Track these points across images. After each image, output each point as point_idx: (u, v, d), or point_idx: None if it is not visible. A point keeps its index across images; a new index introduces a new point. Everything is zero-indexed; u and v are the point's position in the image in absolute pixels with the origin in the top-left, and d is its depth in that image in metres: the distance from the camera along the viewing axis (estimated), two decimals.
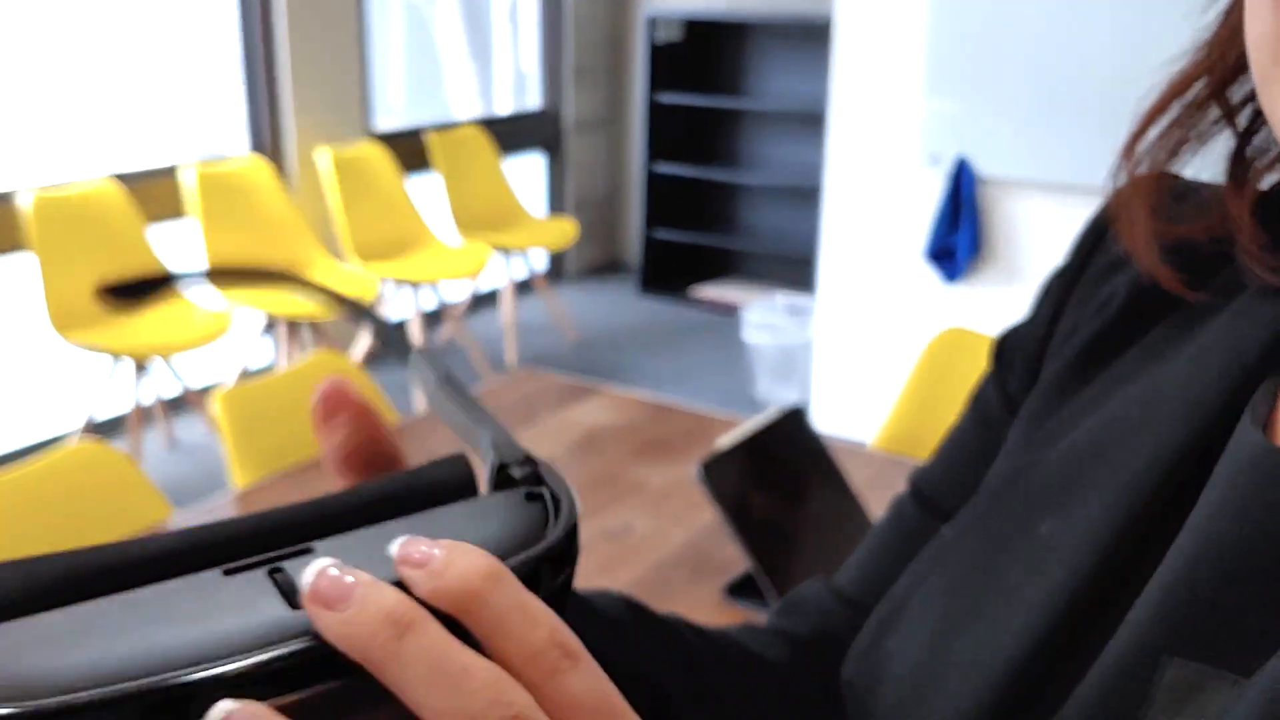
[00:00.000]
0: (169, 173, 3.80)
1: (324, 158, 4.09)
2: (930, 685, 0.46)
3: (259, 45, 4.08)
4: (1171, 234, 0.47)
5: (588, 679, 0.29)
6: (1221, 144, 0.46)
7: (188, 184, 3.68)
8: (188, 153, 3.96)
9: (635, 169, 5.79)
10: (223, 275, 0.43)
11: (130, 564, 0.29)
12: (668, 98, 5.44)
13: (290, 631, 0.27)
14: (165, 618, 0.27)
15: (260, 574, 0.29)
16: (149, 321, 3.37)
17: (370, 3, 4.49)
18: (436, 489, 0.34)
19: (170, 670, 0.26)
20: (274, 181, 3.91)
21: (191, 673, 0.26)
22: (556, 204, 5.73)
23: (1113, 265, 0.52)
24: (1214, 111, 0.46)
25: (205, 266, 0.43)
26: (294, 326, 3.96)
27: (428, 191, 4.50)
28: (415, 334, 4.15)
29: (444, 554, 0.28)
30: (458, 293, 4.85)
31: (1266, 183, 0.46)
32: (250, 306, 3.60)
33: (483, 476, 0.35)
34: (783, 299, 4.53)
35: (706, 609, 1.44)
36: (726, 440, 1.38)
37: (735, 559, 1.46)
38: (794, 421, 1.48)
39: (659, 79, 5.41)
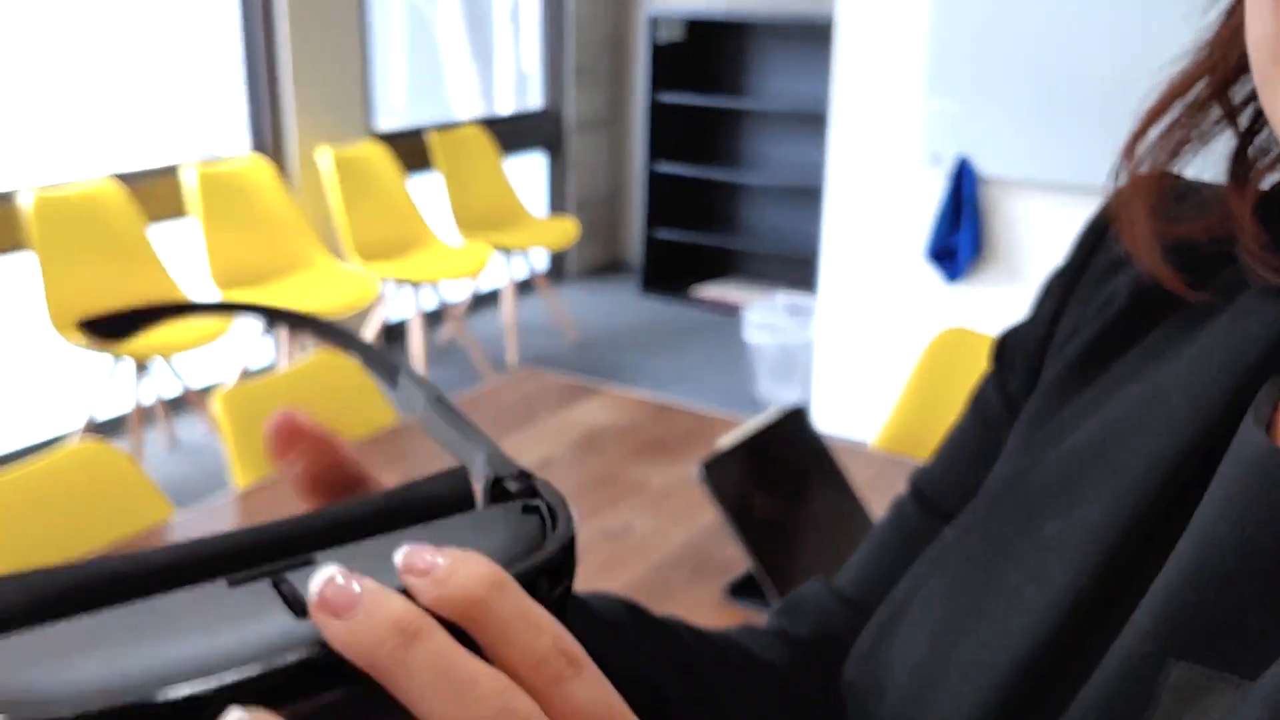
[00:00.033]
0: (170, 172, 3.80)
1: (325, 157, 4.09)
2: (932, 687, 0.46)
3: (260, 44, 4.08)
4: (1172, 234, 0.47)
5: (591, 686, 0.29)
6: (1223, 144, 0.46)
7: (189, 184, 3.68)
8: (189, 152, 3.96)
9: (636, 169, 5.79)
10: (202, 309, 0.43)
11: (134, 576, 0.29)
12: (669, 97, 5.44)
13: (297, 640, 0.27)
14: (171, 629, 0.27)
15: (265, 584, 0.29)
16: None
17: (372, 2, 4.49)
18: (434, 502, 0.34)
19: (178, 681, 0.26)
20: (275, 181, 3.91)
21: (200, 683, 0.26)
22: (558, 204, 5.73)
23: (1113, 265, 0.52)
24: (1215, 111, 0.46)
25: (184, 301, 0.43)
26: None
27: (429, 191, 4.50)
28: (416, 334, 4.15)
29: (448, 562, 0.28)
30: (459, 292, 4.85)
31: (1268, 183, 0.46)
32: None
33: (478, 492, 0.36)
34: (784, 299, 4.53)
35: (707, 609, 1.44)
36: (727, 440, 1.38)
37: (736, 559, 1.46)
38: (795, 421, 1.47)
39: (660, 79, 5.41)
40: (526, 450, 1.89)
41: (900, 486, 0.62)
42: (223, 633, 0.27)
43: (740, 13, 5.22)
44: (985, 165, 3.26)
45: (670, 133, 5.53)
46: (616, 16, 5.72)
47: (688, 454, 1.85)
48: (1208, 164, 0.47)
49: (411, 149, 4.57)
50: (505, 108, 5.65)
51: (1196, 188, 0.48)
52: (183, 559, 0.30)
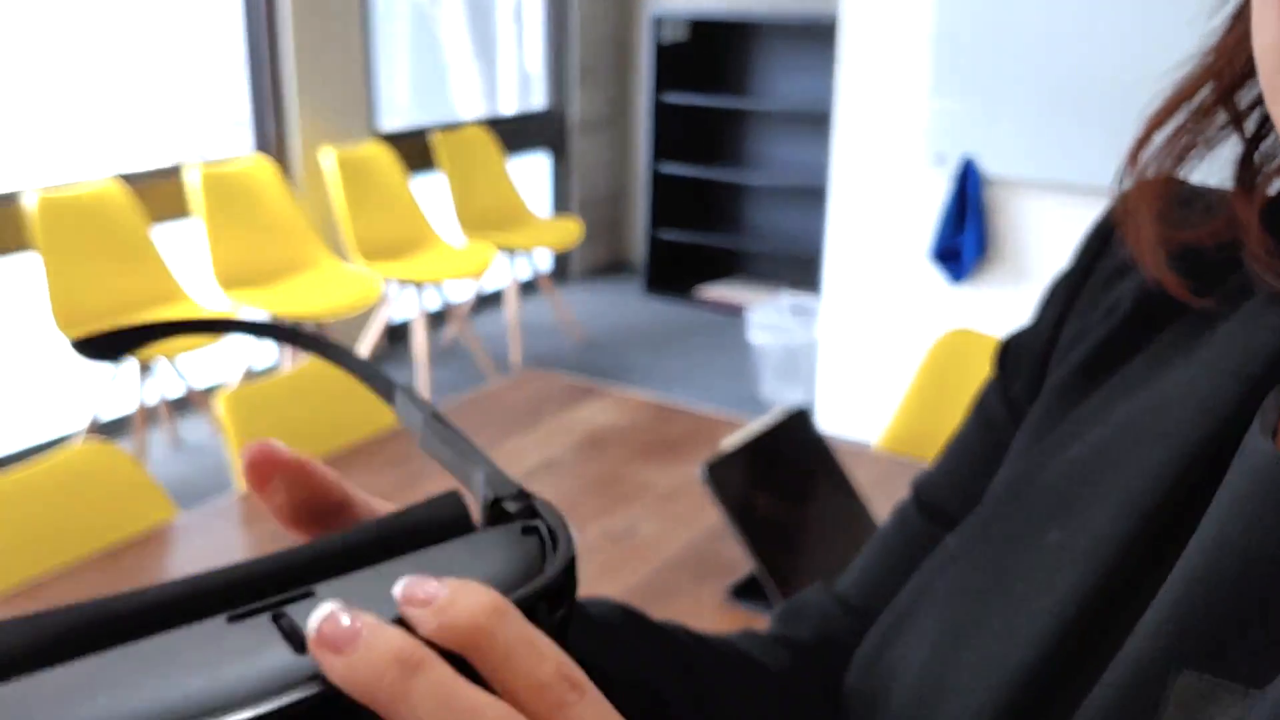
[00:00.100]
0: (174, 173, 3.80)
1: (329, 158, 4.09)
2: (936, 695, 0.46)
3: (264, 45, 4.09)
4: (1177, 240, 0.47)
5: (594, 710, 0.29)
6: (1228, 149, 0.46)
7: (192, 184, 3.68)
8: (192, 153, 3.96)
9: (640, 169, 5.79)
10: (195, 327, 0.43)
11: (134, 615, 0.29)
12: (673, 98, 5.44)
13: (298, 677, 0.27)
14: (173, 668, 0.27)
15: (264, 620, 0.29)
16: None
17: (375, 3, 4.49)
18: (433, 527, 0.34)
19: None
20: (279, 181, 3.91)
21: None
22: (561, 204, 5.73)
23: (1118, 270, 0.52)
24: (1221, 117, 0.45)
25: (177, 319, 0.43)
26: (298, 326, 3.96)
27: (432, 191, 4.50)
28: (420, 334, 4.15)
29: (448, 592, 0.28)
30: (462, 293, 4.85)
31: (1274, 188, 0.45)
32: (254, 307, 3.60)
33: (476, 512, 0.35)
34: (788, 299, 4.52)
35: (710, 611, 1.44)
36: (731, 441, 1.38)
37: (739, 560, 1.46)
38: (799, 422, 1.47)
39: (664, 79, 5.41)
40: (530, 451, 1.89)
41: (904, 488, 0.62)
42: (224, 670, 0.27)
43: (744, 12, 5.21)
44: (990, 165, 3.26)
45: (674, 133, 5.53)
46: (620, 16, 5.72)
47: (691, 455, 1.85)
48: (1213, 169, 0.47)
49: (415, 149, 4.57)
50: (509, 108, 5.65)
51: (1202, 193, 0.48)
52: (182, 595, 0.30)
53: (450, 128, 4.71)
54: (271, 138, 4.17)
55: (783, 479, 1.43)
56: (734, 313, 5.16)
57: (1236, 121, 0.45)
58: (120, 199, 3.48)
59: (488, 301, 5.24)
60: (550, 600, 0.31)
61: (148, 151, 4.04)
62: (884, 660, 0.50)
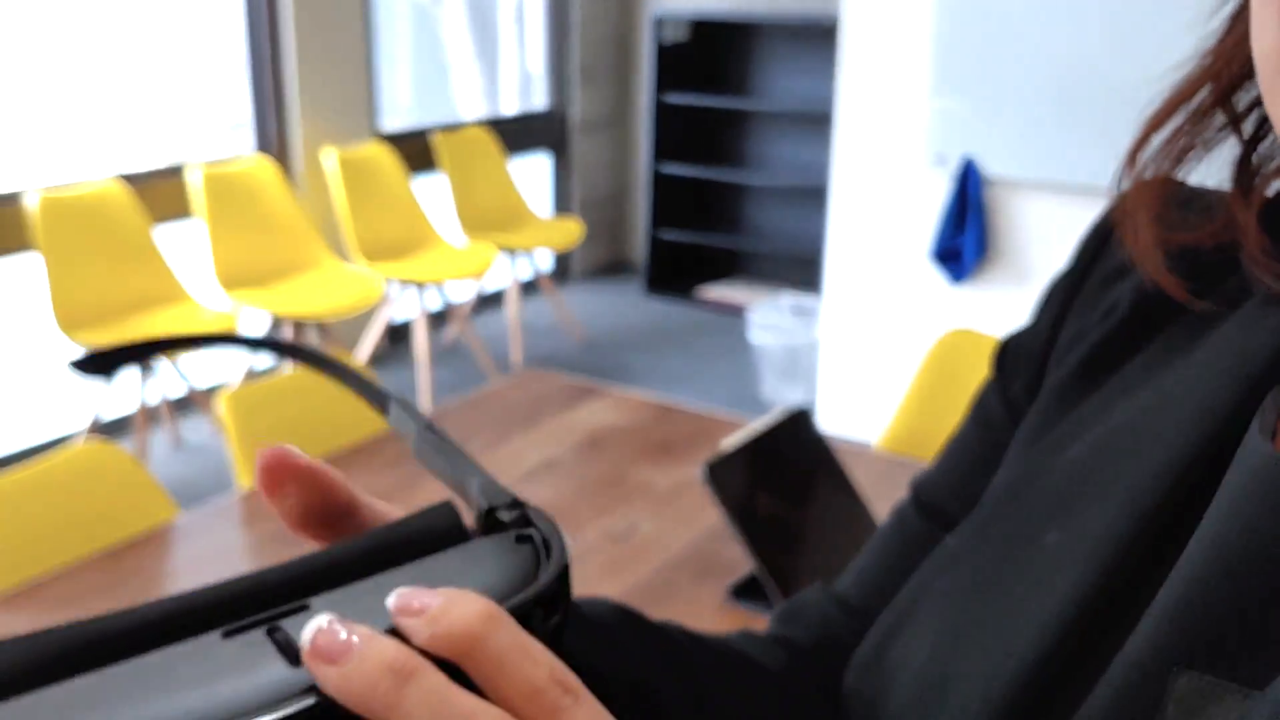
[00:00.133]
0: (175, 173, 3.80)
1: (330, 158, 4.09)
2: (936, 696, 0.46)
3: (265, 45, 4.09)
4: (1175, 241, 0.47)
5: (589, 715, 0.29)
6: (1227, 151, 0.46)
7: (194, 184, 3.69)
8: (194, 153, 3.97)
9: (641, 169, 5.79)
10: (189, 344, 0.43)
11: (130, 632, 0.29)
12: (674, 98, 5.44)
13: (293, 689, 0.28)
14: (169, 685, 0.28)
15: (259, 634, 0.29)
16: (156, 322, 3.37)
17: (376, 3, 4.49)
18: (426, 537, 0.34)
19: None
20: (280, 182, 3.91)
21: None
22: (562, 204, 5.73)
23: (1116, 271, 0.52)
24: (1219, 118, 0.45)
25: (173, 336, 0.43)
26: (300, 327, 3.97)
27: (434, 192, 4.50)
28: (421, 334, 4.16)
29: (441, 601, 0.29)
30: (463, 293, 4.85)
31: (1273, 189, 0.46)
32: (256, 307, 3.60)
33: (471, 522, 0.36)
34: (788, 300, 4.52)
35: (710, 611, 1.44)
36: (731, 441, 1.38)
37: (740, 560, 1.46)
38: (799, 422, 1.47)
39: (665, 79, 5.41)
40: (530, 451, 1.89)
41: (904, 488, 0.62)
42: (219, 685, 0.27)
43: (745, 13, 5.22)
44: (991, 166, 3.26)
45: (675, 133, 5.53)
46: (621, 17, 5.72)
47: (692, 455, 1.85)
48: (1211, 171, 0.47)
49: (416, 150, 4.58)
50: (510, 108, 5.66)
51: (1200, 194, 0.48)
52: (176, 612, 0.30)
53: (451, 128, 4.71)
54: (273, 138, 4.17)
55: (783, 479, 1.43)
56: (735, 313, 5.16)
57: (1234, 123, 0.45)
58: (122, 199, 3.49)
59: (489, 302, 5.24)
60: (544, 607, 0.31)
61: (149, 152, 4.04)
62: (884, 661, 0.50)
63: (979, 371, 0.59)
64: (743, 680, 0.55)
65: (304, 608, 0.30)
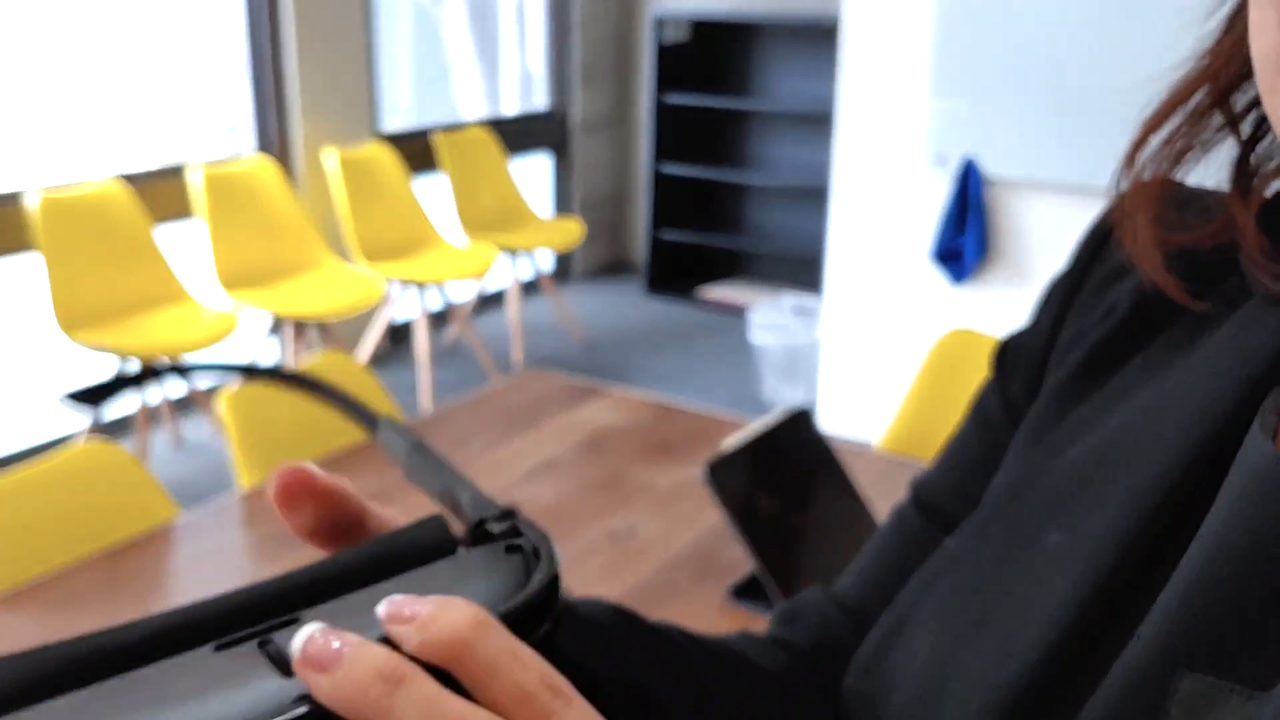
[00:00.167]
0: (176, 173, 3.80)
1: (331, 158, 4.09)
2: (937, 699, 0.46)
3: (266, 46, 4.09)
4: (1174, 242, 0.47)
5: (580, 718, 0.29)
6: (1225, 151, 0.46)
7: (195, 184, 3.69)
8: (195, 153, 3.97)
9: (642, 169, 5.79)
10: (179, 371, 0.44)
11: (122, 648, 0.29)
12: (675, 98, 5.44)
13: (286, 700, 0.28)
14: (162, 698, 0.28)
15: (250, 647, 0.30)
16: (156, 322, 3.38)
17: (377, 4, 4.49)
18: (417, 550, 0.34)
19: None
20: (281, 182, 3.91)
21: None
22: (563, 204, 5.74)
23: (1115, 272, 0.52)
24: (1217, 119, 0.45)
25: (176, 361, 0.44)
26: (300, 327, 3.97)
27: (434, 192, 4.50)
28: (422, 334, 4.16)
29: (430, 608, 0.29)
30: (464, 293, 4.85)
31: (1271, 190, 0.45)
32: (256, 307, 3.60)
33: (461, 535, 0.36)
34: (789, 300, 4.53)
35: (711, 611, 1.44)
36: (732, 441, 1.38)
37: (740, 561, 1.46)
38: (800, 423, 1.47)
39: (666, 79, 5.41)
40: (531, 451, 1.89)
41: (905, 488, 0.62)
42: (212, 698, 0.28)
43: (746, 13, 5.22)
44: (991, 166, 3.26)
45: (675, 133, 5.53)
46: (622, 17, 5.72)
47: (692, 455, 1.85)
48: (1209, 171, 0.47)
49: (417, 150, 4.58)
50: (511, 108, 5.66)
51: (1198, 195, 0.48)
52: (169, 627, 0.30)
53: (452, 128, 4.71)
54: (274, 138, 4.17)
55: (784, 479, 1.43)
56: (735, 313, 5.16)
57: (1232, 124, 0.45)
58: (123, 199, 3.49)
59: (489, 302, 5.24)
60: (533, 615, 0.32)
61: (150, 152, 4.04)
62: (884, 662, 0.50)
63: (980, 372, 0.59)
64: (741, 681, 0.55)
65: (295, 621, 0.31)
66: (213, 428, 3.80)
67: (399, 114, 4.96)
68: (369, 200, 4.13)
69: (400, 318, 4.63)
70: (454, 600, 0.29)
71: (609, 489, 1.76)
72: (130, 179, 3.62)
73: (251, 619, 0.31)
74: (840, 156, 3.54)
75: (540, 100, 5.66)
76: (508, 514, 0.35)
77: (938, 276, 3.43)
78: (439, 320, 4.83)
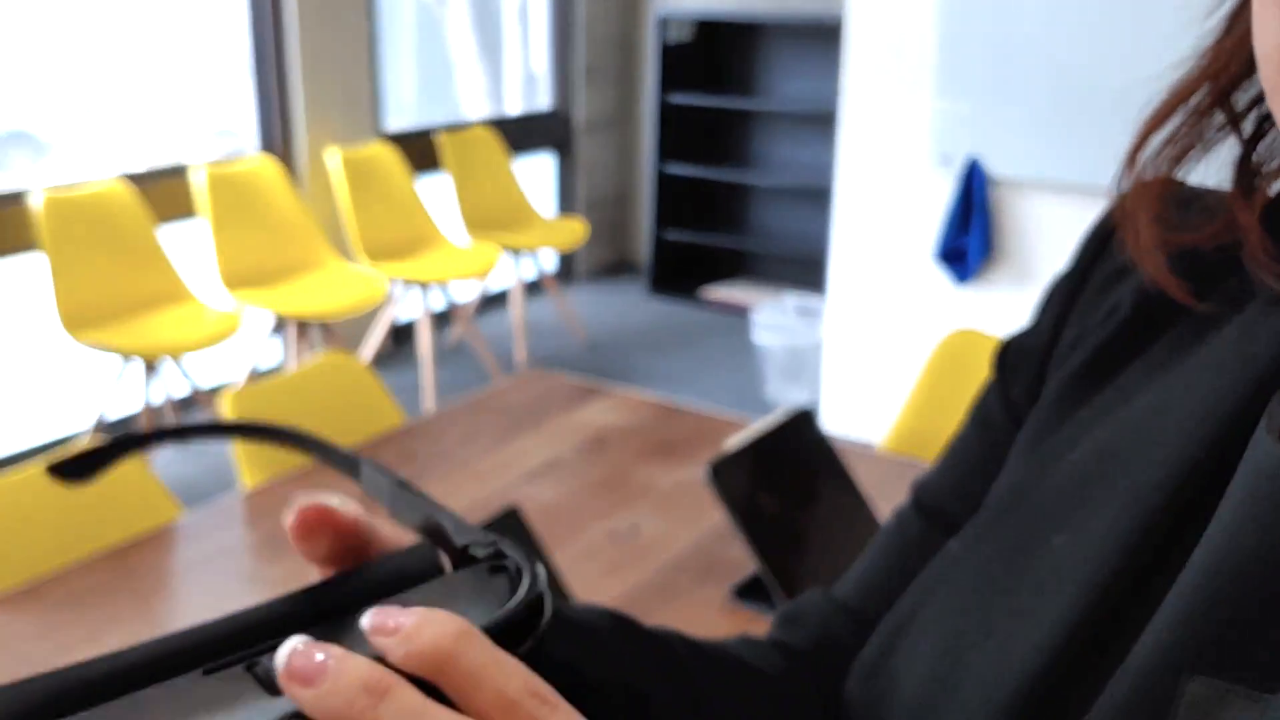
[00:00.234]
0: (179, 173, 3.81)
1: (334, 158, 4.10)
2: (941, 703, 0.45)
3: (269, 45, 4.09)
4: (1176, 242, 0.47)
5: None
6: (1226, 151, 0.46)
7: (198, 184, 3.69)
8: (198, 153, 3.97)
9: (645, 169, 5.79)
10: (164, 438, 0.44)
11: (114, 675, 0.30)
12: (678, 98, 5.43)
13: (274, 717, 0.28)
14: None
15: (238, 670, 0.30)
16: (159, 321, 3.38)
17: (381, 3, 4.49)
18: (403, 575, 0.35)
19: None
20: (284, 181, 3.91)
21: None
22: (566, 204, 5.73)
23: (1117, 273, 0.51)
24: (1218, 118, 0.45)
25: (148, 432, 0.44)
26: (303, 327, 3.97)
27: (438, 192, 4.50)
28: (425, 334, 4.16)
29: (414, 620, 0.29)
30: (467, 293, 4.85)
31: (1274, 189, 0.45)
32: (259, 307, 3.60)
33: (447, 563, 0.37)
34: (793, 300, 4.52)
35: (713, 611, 1.44)
36: (735, 441, 1.37)
37: (743, 561, 1.46)
38: (803, 423, 1.47)
39: (669, 79, 5.41)
40: (534, 451, 1.89)
41: (908, 489, 0.61)
42: (202, 719, 0.28)
43: (750, 13, 5.21)
44: (995, 166, 3.26)
45: (679, 133, 5.53)
46: (625, 17, 5.72)
47: (695, 455, 1.85)
48: (1211, 171, 0.47)
49: (420, 149, 4.58)
50: (514, 108, 5.66)
51: (1200, 194, 0.48)
52: (158, 654, 0.31)
53: (455, 128, 4.71)
54: (277, 138, 4.18)
55: (787, 479, 1.43)
56: (739, 313, 5.16)
57: (1234, 123, 0.45)
58: (126, 199, 3.49)
59: (493, 302, 5.24)
60: (517, 629, 0.32)
61: (153, 151, 4.05)
62: (887, 665, 0.50)
63: (983, 372, 0.59)
64: (739, 685, 0.55)
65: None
66: None
67: (402, 113, 4.96)
68: (372, 200, 4.13)
69: (403, 318, 4.63)
70: (437, 612, 0.29)
71: (612, 489, 1.76)
72: (134, 179, 3.62)
73: (240, 645, 0.31)
74: (844, 156, 3.54)
75: (544, 100, 5.66)
76: (492, 540, 0.36)
77: (941, 277, 3.42)
78: (442, 320, 4.83)
